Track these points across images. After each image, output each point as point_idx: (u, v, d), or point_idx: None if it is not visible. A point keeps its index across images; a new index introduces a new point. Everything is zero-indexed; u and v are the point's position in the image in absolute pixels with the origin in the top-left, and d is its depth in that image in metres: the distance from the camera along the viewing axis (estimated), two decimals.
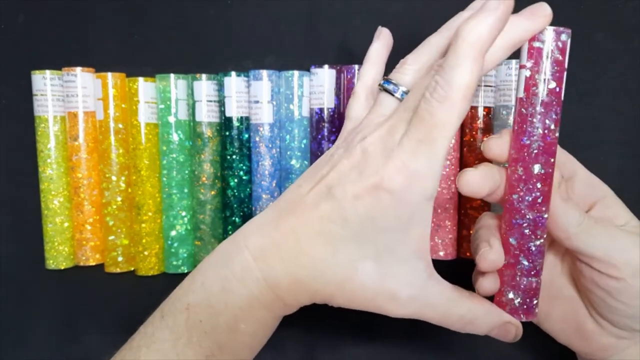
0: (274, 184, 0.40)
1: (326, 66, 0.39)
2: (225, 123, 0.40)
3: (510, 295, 0.28)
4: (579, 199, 0.30)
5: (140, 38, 0.43)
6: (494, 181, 0.26)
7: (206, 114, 0.40)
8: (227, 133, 0.40)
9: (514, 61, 0.36)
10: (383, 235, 0.25)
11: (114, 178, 0.41)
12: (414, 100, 0.24)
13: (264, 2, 0.42)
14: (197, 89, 0.40)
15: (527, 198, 0.26)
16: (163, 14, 0.42)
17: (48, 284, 0.44)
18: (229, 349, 0.27)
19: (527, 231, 0.26)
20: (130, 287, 0.44)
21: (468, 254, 0.39)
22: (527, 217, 0.26)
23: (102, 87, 0.41)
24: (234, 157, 0.40)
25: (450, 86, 0.23)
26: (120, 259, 0.42)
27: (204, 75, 0.39)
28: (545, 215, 0.26)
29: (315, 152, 0.40)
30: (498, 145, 0.27)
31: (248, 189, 0.40)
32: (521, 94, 0.25)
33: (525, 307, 0.28)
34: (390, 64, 0.29)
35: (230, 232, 0.40)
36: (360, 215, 0.25)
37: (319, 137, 0.39)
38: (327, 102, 0.39)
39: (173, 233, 0.41)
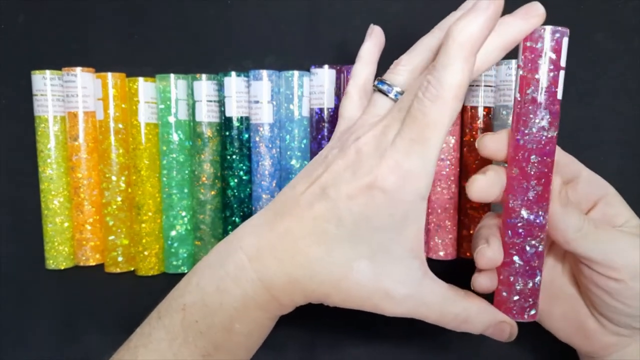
0: (274, 184, 0.40)
1: (326, 66, 0.39)
2: (225, 123, 0.40)
3: (505, 295, 0.28)
4: (582, 197, 0.30)
5: (140, 38, 0.43)
6: (502, 184, 0.27)
7: (206, 114, 0.40)
8: (227, 133, 0.40)
9: (513, 61, 0.36)
10: (377, 235, 0.25)
11: (114, 178, 0.41)
12: (408, 101, 0.25)
13: (264, 2, 0.42)
14: (197, 89, 0.40)
15: (521, 198, 0.26)
16: (163, 14, 0.42)
17: (48, 284, 0.44)
18: (224, 348, 0.27)
19: (521, 231, 0.26)
20: (130, 287, 0.44)
21: (468, 254, 0.39)
22: (522, 217, 0.26)
23: (102, 87, 0.41)
24: (234, 157, 0.40)
25: (441, 85, 0.23)
26: (120, 259, 0.42)
27: (204, 75, 0.39)
28: (542, 215, 0.26)
29: (315, 152, 0.40)
30: (493, 142, 0.27)
31: (248, 189, 0.40)
32: (517, 94, 0.25)
33: (520, 307, 0.27)
34: (390, 64, 0.29)
35: (230, 232, 0.40)
36: (355, 215, 0.25)
37: (319, 137, 0.39)
38: (327, 102, 0.39)
39: (173, 233, 0.41)
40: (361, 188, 0.24)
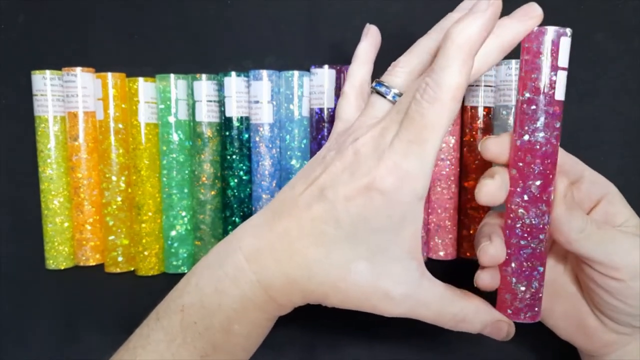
0: (274, 184, 0.40)
1: (326, 66, 0.39)
2: (225, 123, 0.40)
3: (506, 296, 0.28)
4: (585, 197, 0.30)
5: (140, 38, 0.43)
6: (508, 187, 0.27)
7: (206, 114, 0.40)
8: (227, 133, 0.40)
9: (513, 61, 0.36)
10: (375, 236, 0.25)
11: (114, 178, 0.41)
12: (406, 103, 0.25)
13: (264, 2, 0.42)
14: (197, 89, 0.40)
15: (521, 199, 0.26)
16: (163, 14, 0.42)
17: (48, 284, 0.44)
18: (223, 349, 0.27)
19: (521, 232, 0.26)
20: (130, 287, 0.44)
21: (468, 254, 0.39)
22: (522, 218, 0.26)
23: (102, 87, 0.41)
24: (234, 157, 0.40)
25: (439, 87, 0.23)
26: (120, 259, 0.42)
27: (204, 75, 0.39)
28: (542, 217, 0.26)
29: (315, 152, 0.40)
30: (495, 145, 0.27)
31: (248, 189, 0.40)
32: (518, 95, 0.26)
33: (521, 308, 0.27)
34: (390, 65, 0.29)
35: (230, 232, 0.40)
36: (353, 216, 0.25)
37: (319, 137, 0.39)
38: (327, 102, 0.39)
39: (173, 233, 0.41)
40: (359, 189, 0.24)
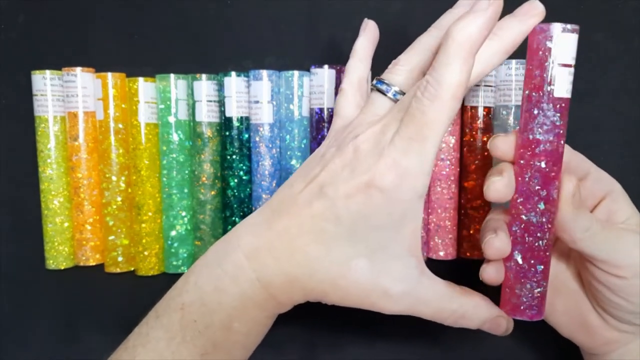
0: (274, 184, 0.40)
1: (326, 66, 0.39)
2: (225, 123, 0.40)
3: (509, 292, 0.28)
4: (589, 194, 0.30)
5: (140, 38, 0.43)
6: (514, 184, 0.27)
7: (206, 114, 0.40)
8: (227, 133, 0.40)
9: (513, 61, 0.36)
10: (375, 233, 0.25)
11: (114, 178, 0.41)
12: (408, 100, 0.25)
13: (264, 2, 0.42)
14: (197, 89, 0.40)
15: (524, 197, 0.26)
16: (163, 14, 0.42)
17: (48, 284, 0.44)
18: (223, 347, 0.27)
19: (524, 230, 0.26)
20: (130, 287, 0.44)
21: (468, 254, 0.39)
22: (525, 216, 0.26)
23: (102, 87, 0.41)
24: (234, 157, 0.40)
25: (440, 85, 0.23)
26: (120, 259, 0.42)
27: (204, 75, 0.39)
28: (545, 215, 0.26)
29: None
30: (504, 143, 0.27)
31: (248, 189, 0.40)
32: (523, 91, 0.26)
33: (524, 306, 0.27)
34: (390, 63, 0.29)
35: None
36: (353, 214, 0.25)
37: (319, 137, 0.39)
38: (327, 102, 0.39)
39: (173, 233, 0.41)
40: (359, 187, 0.25)
